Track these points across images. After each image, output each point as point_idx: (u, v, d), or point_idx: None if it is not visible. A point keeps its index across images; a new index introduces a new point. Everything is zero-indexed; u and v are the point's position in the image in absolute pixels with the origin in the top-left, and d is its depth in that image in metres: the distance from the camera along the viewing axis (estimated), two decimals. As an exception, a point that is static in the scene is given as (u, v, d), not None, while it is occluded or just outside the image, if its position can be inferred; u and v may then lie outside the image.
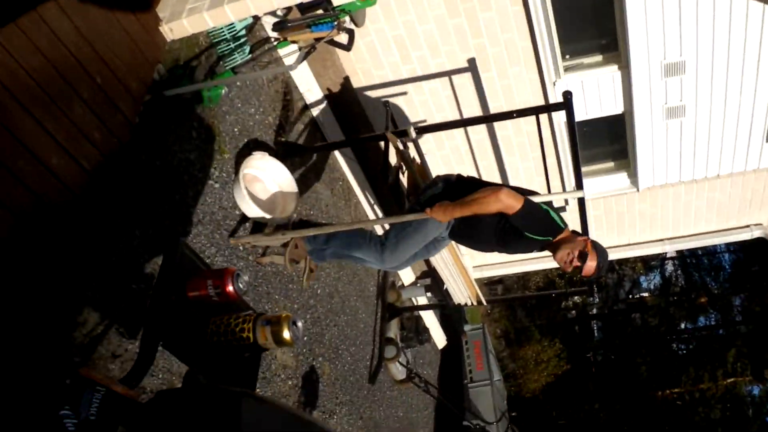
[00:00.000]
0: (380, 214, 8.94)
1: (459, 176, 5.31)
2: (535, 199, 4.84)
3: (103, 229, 4.04)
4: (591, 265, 4.65)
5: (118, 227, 4.18)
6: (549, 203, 4.90)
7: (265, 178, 5.86)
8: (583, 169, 6.46)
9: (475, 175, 8.25)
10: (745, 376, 26.04)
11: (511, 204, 4.56)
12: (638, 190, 8.84)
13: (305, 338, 6.59)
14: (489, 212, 4.67)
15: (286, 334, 2.49)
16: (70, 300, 3.61)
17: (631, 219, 9.42)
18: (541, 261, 10.51)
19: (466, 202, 4.70)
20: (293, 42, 5.42)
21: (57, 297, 3.55)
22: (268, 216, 5.65)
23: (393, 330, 9.10)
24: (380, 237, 5.44)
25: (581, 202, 6.29)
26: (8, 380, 2.64)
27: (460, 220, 4.99)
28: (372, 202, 8.78)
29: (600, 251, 4.75)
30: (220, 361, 2.64)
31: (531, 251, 5.03)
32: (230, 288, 2.53)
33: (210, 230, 5.24)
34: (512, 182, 8.52)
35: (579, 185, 6.13)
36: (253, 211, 5.55)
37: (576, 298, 28.11)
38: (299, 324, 2.53)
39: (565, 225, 4.80)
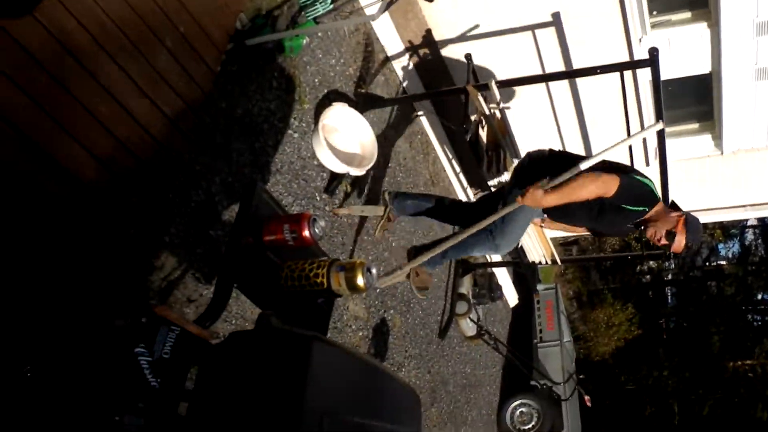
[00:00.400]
0: (458, 169, 8.92)
1: (551, 151, 5.15)
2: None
3: (184, 175, 4.11)
4: (680, 242, 4.58)
5: (199, 174, 4.25)
6: (642, 174, 4.77)
7: (345, 129, 5.87)
8: (667, 129, 6.31)
9: (561, 144, 8.18)
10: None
11: (607, 189, 4.50)
12: (722, 153, 8.62)
13: (377, 290, 6.63)
14: (585, 199, 4.57)
15: (360, 281, 2.49)
16: (149, 244, 3.70)
17: (713, 183, 9.20)
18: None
19: (560, 190, 4.55)
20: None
21: (137, 241, 3.63)
22: (344, 171, 5.67)
23: (465, 286, 9.10)
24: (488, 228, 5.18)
25: (661, 136, 6.08)
26: (87, 320, 2.72)
27: None
28: (450, 156, 8.75)
29: (692, 228, 4.64)
30: (293, 306, 2.68)
31: (625, 230, 5.05)
32: (306, 232, 2.53)
33: (288, 179, 5.29)
34: (593, 139, 8.40)
35: (659, 116, 5.83)
36: (331, 162, 5.58)
37: (651, 262, 27.68)
38: (374, 271, 2.54)
39: (659, 198, 4.70)
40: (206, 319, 2.41)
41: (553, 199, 4.58)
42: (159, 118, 3.67)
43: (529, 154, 5.19)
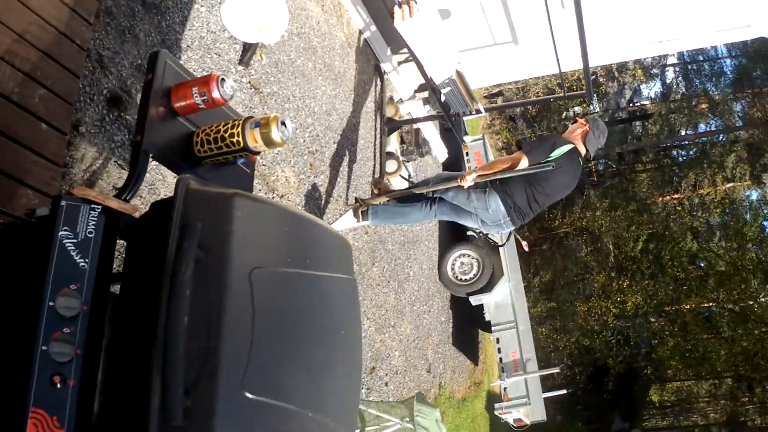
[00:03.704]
0: (373, 28, 8.83)
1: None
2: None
3: (92, 62, 4.02)
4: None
5: (107, 60, 4.16)
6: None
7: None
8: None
9: None
10: (744, 180, 26.30)
11: (517, 159, 5.82)
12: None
13: (304, 156, 6.65)
14: (501, 169, 5.88)
15: (276, 134, 2.48)
16: (66, 136, 3.64)
17: (625, 21, 9.24)
18: (538, 68, 10.45)
19: (490, 165, 6.04)
20: None
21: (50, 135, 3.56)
22: (260, 40, 5.58)
23: (393, 144, 9.14)
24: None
25: None
26: (9, 216, 2.70)
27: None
28: (364, 16, 8.64)
29: (590, 138, 6.13)
30: (212, 171, 2.68)
31: (575, 168, 6.15)
32: (216, 93, 2.48)
33: (200, 55, 5.21)
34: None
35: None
36: (242, 32, 5.48)
37: (576, 108, 28.01)
38: (288, 124, 2.52)
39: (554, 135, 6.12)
40: (125, 192, 2.40)
41: (482, 174, 5.92)
42: (56, 6, 3.53)
43: None
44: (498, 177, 5.93)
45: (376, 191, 6.94)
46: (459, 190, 6.11)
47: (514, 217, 6.09)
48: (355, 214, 6.66)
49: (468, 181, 5.89)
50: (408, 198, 6.54)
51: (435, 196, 6.37)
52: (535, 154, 5.85)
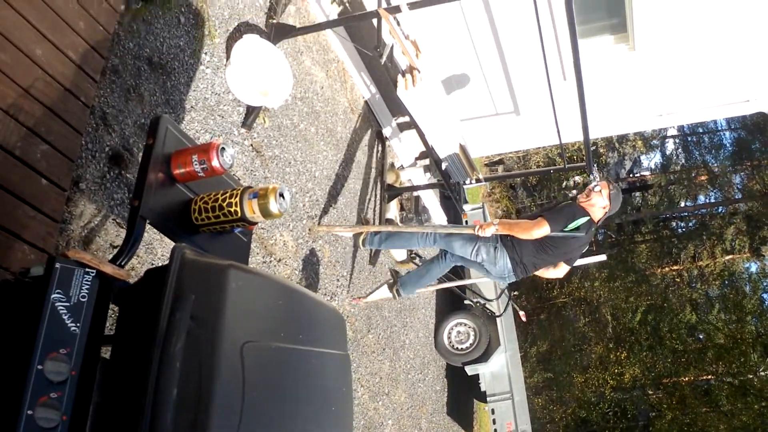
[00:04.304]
0: (377, 95, 8.90)
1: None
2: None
3: (95, 120, 4.03)
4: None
5: (110, 118, 4.17)
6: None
7: (258, 62, 5.79)
8: (581, 41, 6.38)
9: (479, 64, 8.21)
10: (743, 252, 26.35)
11: (538, 227, 5.81)
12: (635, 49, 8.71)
13: (303, 222, 6.64)
14: (519, 234, 5.94)
15: (273, 206, 2.47)
16: (65, 193, 3.63)
17: (627, 93, 9.33)
18: (540, 139, 10.51)
19: (511, 223, 6.01)
20: None
21: (51, 191, 3.55)
22: (264, 103, 5.64)
23: (392, 211, 9.14)
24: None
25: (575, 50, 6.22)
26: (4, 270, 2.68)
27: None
28: (368, 82, 8.72)
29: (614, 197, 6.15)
30: (209, 239, 2.66)
31: (585, 239, 6.26)
32: (215, 162, 2.48)
33: (203, 116, 5.23)
34: (508, 57, 8.47)
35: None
36: (246, 95, 5.53)
37: (577, 178, 28.14)
38: (286, 195, 2.52)
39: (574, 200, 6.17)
40: (121, 257, 2.38)
41: (501, 230, 5.95)
42: (63, 63, 3.55)
43: None
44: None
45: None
46: (467, 242, 6.24)
47: (518, 271, 6.20)
48: (390, 289, 6.89)
49: (485, 232, 5.96)
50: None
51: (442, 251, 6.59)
52: (555, 224, 5.89)
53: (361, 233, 6.79)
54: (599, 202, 6.04)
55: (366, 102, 8.87)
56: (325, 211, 7.14)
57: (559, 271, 6.41)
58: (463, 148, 7.91)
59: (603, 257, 8.77)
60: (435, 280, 6.96)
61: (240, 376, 1.95)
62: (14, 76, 3.22)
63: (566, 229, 5.95)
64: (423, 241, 6.56)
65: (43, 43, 3.43)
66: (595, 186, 6.02)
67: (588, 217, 6.02)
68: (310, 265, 6.72)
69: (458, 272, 10.41)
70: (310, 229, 6.81)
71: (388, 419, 8.30)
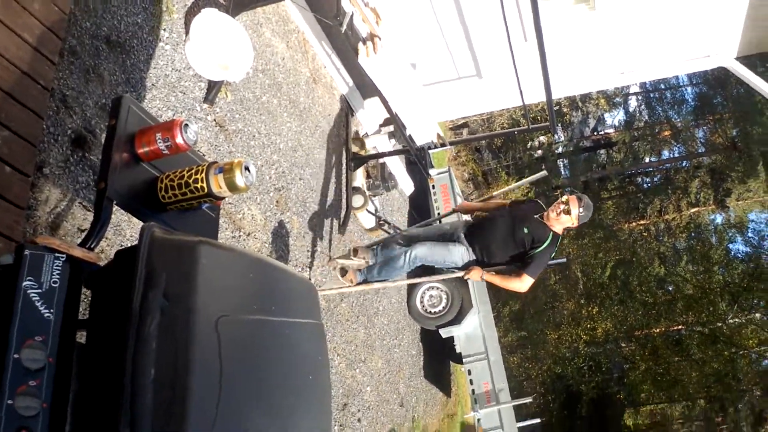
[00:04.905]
0: (338, 64, 8.87)
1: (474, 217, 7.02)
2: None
3: (56, 102, 3.99)
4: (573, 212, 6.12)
5: (71, 99, 4.13)
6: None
7: (218, 36, 5.75)
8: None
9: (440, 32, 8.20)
10: (708, 205, 26.69)
11: (527, 285, 6.32)
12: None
13: (270, 194, 6.64)
14: (511, 288, 6.50)
15: (239, 180, 2.47)
16: (29, 178, 3.60)
17: (588, 51, 9.36)
18: (503, 101, 10.53)
19: (494, 278, 6.43)
20: None
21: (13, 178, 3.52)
22: (224, 77, 5.61)
23: (359, 179, 9.15)
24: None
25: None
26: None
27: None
28: (329, 52, 8.68)
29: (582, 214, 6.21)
30: (177, 217, 2.66)
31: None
32: (179, 138, 2.47)
33: (165, 93, 5.19)
34: (468, 15, 8.48)
35: None
36: (207, 70, 5.50)
37: (542, 138, 28.26)
38: (252, 169, 2.51)
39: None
40: (90, 240, 2.38)
41: (488, 280, 6.49)
42: (19, 46, 3.50)
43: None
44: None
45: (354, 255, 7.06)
46: (434, 250, 6.57)
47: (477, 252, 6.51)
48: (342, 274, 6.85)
49: (473, 278, 6.44)
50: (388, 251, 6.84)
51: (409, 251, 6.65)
52: (537, 274, 6.37)
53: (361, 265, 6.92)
54: (567, 223, 6.22)
55: (328, 71, 8.84)
56: (291, 183, 7.12)
57: (524, 283, 6.38)
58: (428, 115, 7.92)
59: (563, 260, 8.89)
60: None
61: (216, 350, 1.97)
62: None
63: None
64: (408, 266, 6.72)
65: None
66: (565, 207, 6.10)
67: (558, 235, 6.33)
68: (280, 237, 6.73)
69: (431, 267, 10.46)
70: (330, 259, 7.45)
71: (366, 386, 8.36)
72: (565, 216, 6.11)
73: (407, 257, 6.57)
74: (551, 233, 6.23)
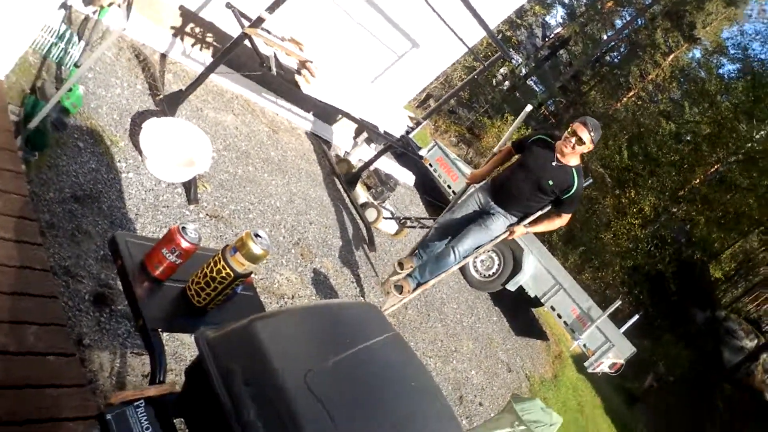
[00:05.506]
0: (287, 105, 8.91)
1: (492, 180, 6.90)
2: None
3: (60, 277, 4.02)
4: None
5: (72, 267, 4.16)
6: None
7: (168, 140, 5.79)
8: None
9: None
10: (680, 46, 26.59)
11: (566, 220, 6.69)
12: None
13: (291, 250, 6.67)
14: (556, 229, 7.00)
15: (256, 249, 2.48)
16: (75, 356, 3.62)
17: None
18: (449, 56, 10.52)
19: (536, 227, 6.72)
20: (110, 4, 5.17)
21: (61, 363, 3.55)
22: (194, 173, 5.66)
23: (362, 195, 9.17)
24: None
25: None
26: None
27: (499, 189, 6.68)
28: (273, 100, 8.72)
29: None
30: (220, 312, 2.68)
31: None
32: (184, 243, 2.51)
33: (151, 216, 5.24)
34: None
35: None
36: (175, 176, 5.55)
37: (502, 70, 28.27)
38: (262, 233, 2.53)
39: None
40: (156, 376, 2.40)
41: (532, 232, 7.14)
42: (1, 245, 3.54)
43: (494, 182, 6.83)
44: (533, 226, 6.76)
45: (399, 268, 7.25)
46: (477, 237, 6.65)
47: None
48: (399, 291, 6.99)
49: (517, 234, 6.72)
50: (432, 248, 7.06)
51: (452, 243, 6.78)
52: (575, 207, 6.69)
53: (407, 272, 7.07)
54: (584, 150, 6.25)
55: (282, 117, 8.88)
56: (304, 232, 7.15)
57: (565, 220, 6.68)
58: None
59: (590, 181, 8.94)
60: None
61: (319, 405, 1.97)
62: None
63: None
64: (459, 260, 6.82)
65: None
66: (576, 139, 6.13)
67: (580, 167, 6.41)
68: (322, 284, 6.75)
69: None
70: (382, 284, 7.70)
71: (469, 371, 8.39)
72: (580, 146, 6.14)
73: (456, 254, 6.66)
74: (573, 171, 6.30)
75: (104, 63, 6.17)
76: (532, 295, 11.33)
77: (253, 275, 2.89)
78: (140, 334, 2.50)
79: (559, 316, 11.27)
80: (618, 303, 11.52)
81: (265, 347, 2.04)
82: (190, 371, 2.31)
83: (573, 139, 6.10)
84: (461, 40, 7.97)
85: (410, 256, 7.19)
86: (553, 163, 6.29)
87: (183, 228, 2.54)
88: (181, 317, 2.60)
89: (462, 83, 9.95)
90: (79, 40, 5.52)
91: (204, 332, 2.16)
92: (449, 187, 12.43)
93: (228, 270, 2.51)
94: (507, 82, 30.15)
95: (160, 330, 2.49)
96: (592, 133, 6.09)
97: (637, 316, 12.81)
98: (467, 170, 12.22)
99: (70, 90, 4.97)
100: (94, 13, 5.51)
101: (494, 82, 28.51)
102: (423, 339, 7.83)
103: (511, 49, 26.50)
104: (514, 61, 28.66)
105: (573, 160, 6.30)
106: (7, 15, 4.21)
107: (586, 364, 11.22)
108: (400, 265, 7.12)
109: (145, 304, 2.46)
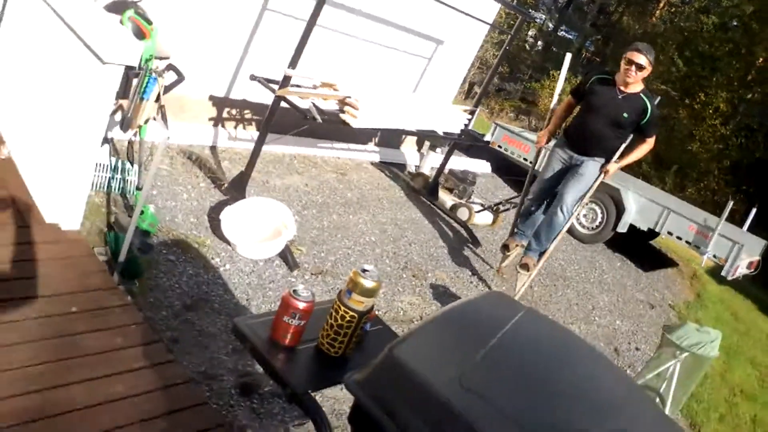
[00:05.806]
0: (343, 145, 8.98)
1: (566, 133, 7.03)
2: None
3: (201, 383, 4.11)
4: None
5: (208, 369, 4.25)
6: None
7: (248, 221, 5.91)
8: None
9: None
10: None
11: (651, 144, 6.81)
12: None
13: (402, 276, 6.69)
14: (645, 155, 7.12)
15: (368, 283, 2.50)
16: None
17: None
18: (474, 40, 10.48)
19: (628, 159, 6.85)
20: (146, 121, 5.30)
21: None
22: (284, 242, 5.75)
23: (447, 198, 9.17)
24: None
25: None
26: None
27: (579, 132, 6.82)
28: (329, 145, 8.83)
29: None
30: (358, 355, 2.70)
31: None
32: (300, 304, 2.54)
33: (261, 295, 5.33)
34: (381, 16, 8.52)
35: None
36: (272, 251, 5.65)
37: (530, 32, 28.08)
38: (368, 266, 2.55)
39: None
40: (325, 435, 2.44)
41: (625, 167, 7.16)
42: (142, 375, 3.62)
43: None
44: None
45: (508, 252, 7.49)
46: (577, 187, 6.74)
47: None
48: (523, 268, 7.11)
49: (612, 172, 6.84)
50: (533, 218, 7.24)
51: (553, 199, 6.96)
52: (657, 128, 6.95)
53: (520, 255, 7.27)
54: (645, 74, 6.37)
55: (344, 158, 8.96)
56: (407, 254, 7.18)
57: (652, 144, 6.81)
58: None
59: (658, 98, 8.81)
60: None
61: (481, 400, 1.97)
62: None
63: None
64: (568, 216, 6.89)
65: (120, 383, 3.49)
66: (635, 65, 6.25)
67: (646, 90, 6.55)
68: (443, 294, 6.76)
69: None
70: (497, 271, 7.86)
71: (614, 321, 8.30)
72: (640, 71, 6.29)
73: (564, 211, 6.74)
74: (642, 96, 6.44)
75: (162, 176, 6.33)
76: (645, 229, 11.10)
77: (375, 310, 2.92)
78: (294, 402, 2.54)
79: (679, 238, 11.01)
80: (731, 204, 11.20)
81: (411, 368, 2.04)
82: (352, 418, 2.33)
83: (632, 68, 6.23)
84: (479, 19, 7.94)
85: (512, 236, 7.21)
86: (620, 96, 6.40)
87: (294, 291, 2.58)
88: (325, 372, 2.63)
89: (497, 60, 9.87)
90: (132, 165, 5.69)
91: (351, 376, 2.18)
92: (525, 159, 12.32)
93: (350, 312, 2.53)
94: (540, 42, 29.91)
95: (310, 392, 2.52)
96: (648, 56, 6.22)
97: (754, 210, 12.44)
98: (534, 137, 12.09)
99: (142, 213, 5.08)
100: (134, 135, 5.68)
101: (527, 46, 28.30)
102: (558, 309, 7.75)
103: (530, 10, 26.28)
104: (538, 20, 28.44)
105: (637, 87, 6.40)
106: (60, 171, 4.38)
107: (723, 273, 10.91)
108: (506, 247, 7.17)
109: (287, 373, 2.50)
